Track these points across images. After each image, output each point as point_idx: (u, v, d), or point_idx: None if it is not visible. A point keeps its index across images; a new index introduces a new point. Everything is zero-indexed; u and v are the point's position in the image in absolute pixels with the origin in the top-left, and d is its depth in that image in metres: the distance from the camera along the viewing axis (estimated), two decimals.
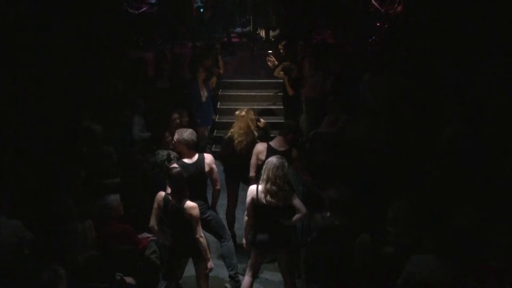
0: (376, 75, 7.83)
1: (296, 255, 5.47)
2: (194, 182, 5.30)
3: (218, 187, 5.73)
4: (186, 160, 5.53)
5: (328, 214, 4.86)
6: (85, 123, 6.72)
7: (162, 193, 4.94)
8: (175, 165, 5.43)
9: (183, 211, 4.81)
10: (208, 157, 5.63)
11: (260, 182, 4.92)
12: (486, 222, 4.39)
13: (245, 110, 6.46)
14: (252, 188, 4.98)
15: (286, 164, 4.93)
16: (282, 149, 5.83)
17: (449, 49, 8.03)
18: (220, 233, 5.77)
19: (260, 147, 5.93)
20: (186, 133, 5.55)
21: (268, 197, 4.83)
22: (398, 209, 4.60)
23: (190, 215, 4.81)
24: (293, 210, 4.94)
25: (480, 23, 7.40)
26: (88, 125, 6.64)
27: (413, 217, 4.74)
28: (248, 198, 4.97)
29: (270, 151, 5.73)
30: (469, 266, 3.96)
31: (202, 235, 4.89)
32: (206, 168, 5.55)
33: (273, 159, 4.92)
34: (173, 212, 4.85)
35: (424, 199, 5.08)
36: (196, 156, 5.56)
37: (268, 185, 4.82)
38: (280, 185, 4.82)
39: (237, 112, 6.49)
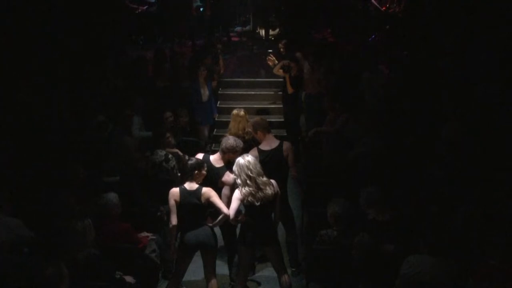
0: (375, 74, 7.83)
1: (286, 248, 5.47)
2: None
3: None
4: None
5: (335, 233, 4.78)
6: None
7: (176, 189, 4.92)
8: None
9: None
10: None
11: (239, 186, 4.83)
12: (486, 221, 4.40)
13: (243, 110, 6.40)
14: (237, 193, 4.89)
15: (249, 156, 4.93)
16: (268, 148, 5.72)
17: (449, 49, 8.03)
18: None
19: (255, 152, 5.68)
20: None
21: (257, 196, 4.78)
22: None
23: (208, 198, 4.85)
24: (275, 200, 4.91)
25: (480, 23, 7.40)
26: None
27: (413, 217, 4.77)
28: (237, 203, 4.86)
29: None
30: (469, 266, 3.96)
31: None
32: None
33: (239, 161, 4.87)
34: (191, 202, 4.85)
35: (424, 199, 5.09)
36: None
37: (250, 186, 4.78)
38: (259, 181, 4.79)
39: (235, 112, 6.39)
